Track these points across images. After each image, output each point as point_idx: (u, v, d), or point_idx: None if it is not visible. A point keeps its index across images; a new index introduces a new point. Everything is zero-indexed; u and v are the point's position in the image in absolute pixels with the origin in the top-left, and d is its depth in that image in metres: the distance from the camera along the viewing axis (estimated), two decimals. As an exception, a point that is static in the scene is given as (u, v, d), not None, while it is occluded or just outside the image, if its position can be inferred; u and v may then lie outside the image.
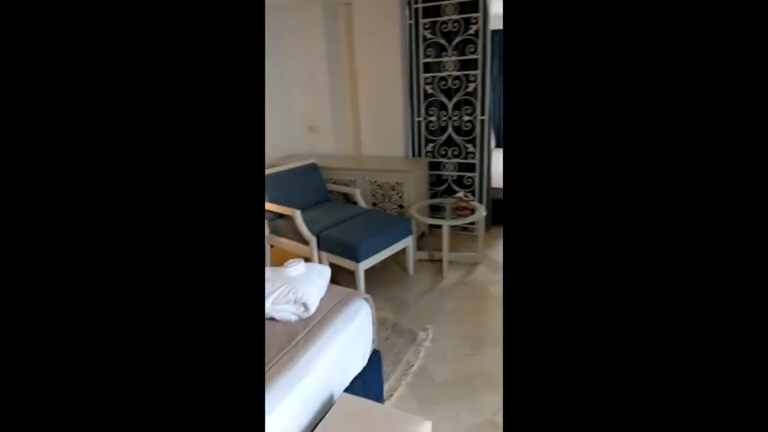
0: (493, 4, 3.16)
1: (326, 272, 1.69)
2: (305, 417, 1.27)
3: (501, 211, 3.51)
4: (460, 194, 3.30)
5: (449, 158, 3.47)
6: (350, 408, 1.31)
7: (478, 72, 3.16)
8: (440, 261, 2.96)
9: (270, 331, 1.40)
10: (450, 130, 3.40)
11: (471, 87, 3.22)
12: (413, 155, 3.59)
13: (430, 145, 3.51)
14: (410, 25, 3.29)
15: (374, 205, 3.39)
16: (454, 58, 3.22)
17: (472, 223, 3.29)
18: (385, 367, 1.96)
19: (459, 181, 3.49)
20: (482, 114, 3.24)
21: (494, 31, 3.31)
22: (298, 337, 1.38)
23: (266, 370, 1.22)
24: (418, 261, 3.06)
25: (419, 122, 3.49)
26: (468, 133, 3.34)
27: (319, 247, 2.64)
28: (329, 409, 1.31)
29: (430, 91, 3.38)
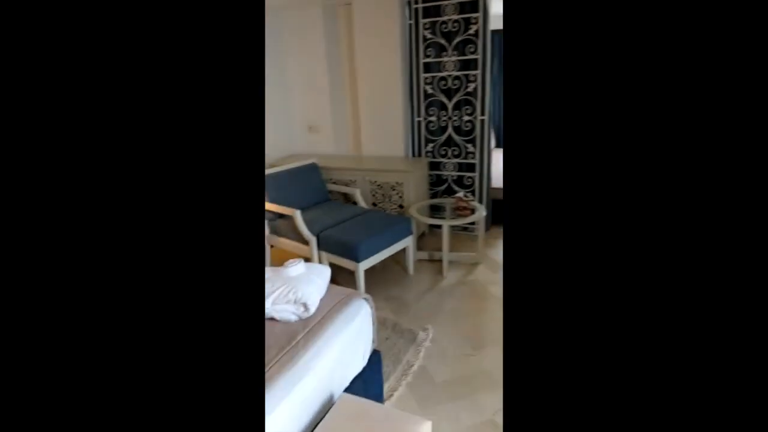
0: (493, 4, 3.16)
1: (326, 272, 1.69)
2: (305, 417, 1.27)
3: (501, 211, 3.51)
4: (460, 194, 3.30)
5: (449, 158, 3.47)
6: (350, 408, 1.31)
7: (478, 72, 3.16)
8: (440, 261, 2.96)
9: (270, 331, 1.40)
10: (450, 130, 3.40)
11: (471, 87, 3.22)
12: (413, 155, 3.59)
13: (430, 145, 3.51)
14: (410, 25, 3.29)
15: (374, 205, 3.39)
16: (454, 58, 3.22)
17: (472, 223, 3.29)
18: (385, 367, 1.96)
19: (459, 181, 3.49)
20: (482, 114, 3.24)
21: (494, 31, 3.31)
22: (298, 337, 1.38)
23: (266, 370, 1.22)
24: (418, 261, 3.06)
25: (419, 122, 3.49)
26: (468, 133, 3.34)
27: (319, 247, 2.64)
28: (329, 409, 1.31)
29: (430, 91, 3.38)
